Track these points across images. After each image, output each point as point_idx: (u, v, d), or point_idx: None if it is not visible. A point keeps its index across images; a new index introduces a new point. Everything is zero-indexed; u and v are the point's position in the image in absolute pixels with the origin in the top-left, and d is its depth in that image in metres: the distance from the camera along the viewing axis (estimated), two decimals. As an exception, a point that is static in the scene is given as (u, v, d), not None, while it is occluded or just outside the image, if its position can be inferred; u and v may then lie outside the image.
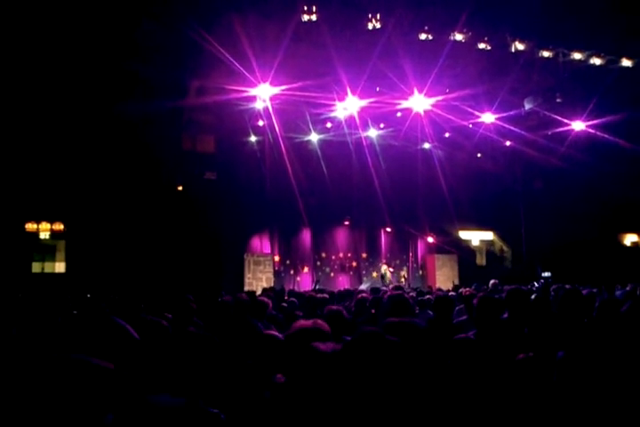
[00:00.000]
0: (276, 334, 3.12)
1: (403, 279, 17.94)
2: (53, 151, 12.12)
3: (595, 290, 5.11)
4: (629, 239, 19.10)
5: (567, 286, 5.81)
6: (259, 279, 15.46)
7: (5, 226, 12.02)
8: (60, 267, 13.54)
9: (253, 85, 12.59)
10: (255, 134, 15.78)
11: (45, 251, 13.57)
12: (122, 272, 12.12)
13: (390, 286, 10.72)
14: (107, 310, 5.55)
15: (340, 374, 1.82)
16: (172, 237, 13.44)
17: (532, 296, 4.44)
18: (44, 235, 13.45)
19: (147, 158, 12.90)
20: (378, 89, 13.90)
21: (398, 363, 1.84)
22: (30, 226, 13.24)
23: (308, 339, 2.19)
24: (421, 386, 2.16)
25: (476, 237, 19.64)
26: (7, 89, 11.18)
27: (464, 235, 19.28)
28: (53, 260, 13.64)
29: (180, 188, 15.00)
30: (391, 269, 17.86)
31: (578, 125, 15.73)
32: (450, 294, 8.04)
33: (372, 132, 16.64)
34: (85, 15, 10.59)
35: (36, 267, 13.33)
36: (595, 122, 15.29)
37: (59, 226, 13.49)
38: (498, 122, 15.82)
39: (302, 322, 2.54)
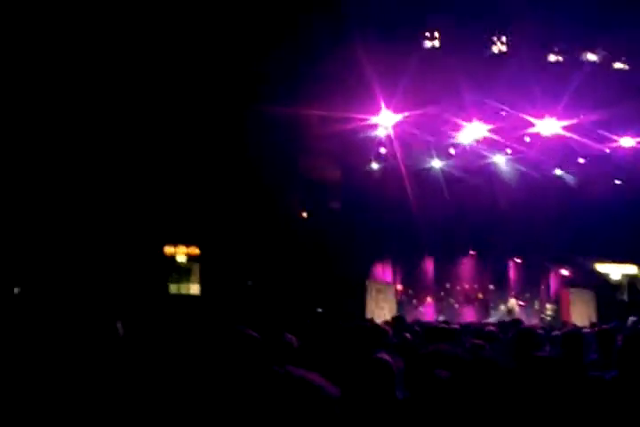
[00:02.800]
0: (387, 358, 3.09)
1: (548, 317, 16.92)
2: (189, 179, 13.03)
3: None
4: None
5: None
6: (381, 308, 15.33)
7: (146, 249, 13.02)
8: (194, 288, 14.43)
9: (376, 113, 12.77)
10: (378, 162, 15.92)
11: (182, 273, 14.56)
12: (249, 295, 12.65)
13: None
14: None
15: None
16: (297, 263, 13.82)
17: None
18: (181, 258, 14.47)
19: (274, 187, 13.49)
20: (505, 113, 13.51)
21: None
22: (168, 249, 14.29)
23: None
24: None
25: (616, 270, 18.10)
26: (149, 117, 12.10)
27: (602, 268, 17.85)
28: (189, 281, 14.58)
29: (305, 215, 15.44)
30: (521, 303, 16.93)
31: None
32: (585, 330, 7.45)
33: (499, 158, 16.09)
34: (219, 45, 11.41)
35: (173, 288, 14.30)
36: None
37: (194, 250, 14.45)
38: (638, 146, 14.66)
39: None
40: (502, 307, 17.20)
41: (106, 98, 11.38)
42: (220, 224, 13.36)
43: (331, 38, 11.06)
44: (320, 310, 10.23)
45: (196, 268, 14.49)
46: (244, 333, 2.43)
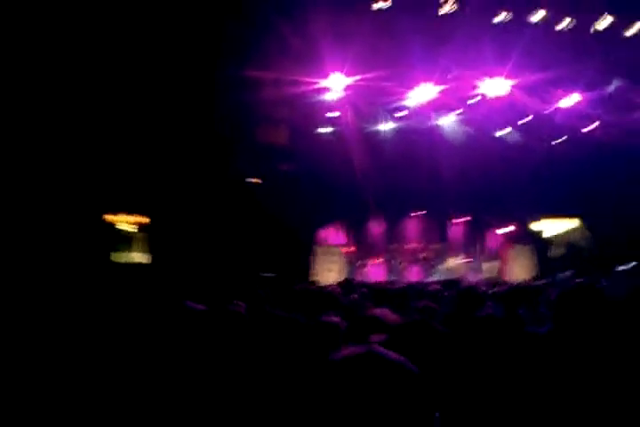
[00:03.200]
0: (335, 320, 3.16)
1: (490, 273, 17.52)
2: (136, 147, 12.65)
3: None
4: None
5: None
6: (329, 270, 15.58)
7: (86, 216, 12.69)
8: (138, 257, 14.24)
9: (326, 76, 12.63)
10: (328, 125, 15.85)
11: (125, 242, 14.30)
12: (198, 262, 12.58)
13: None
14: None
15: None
16: (247, 227, 13.78)
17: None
18: (127, 226, 14.18)
19: (222, 151, 13.26)
20: (454, 74, 13.58)
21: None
22: (111, 217, 13.96)
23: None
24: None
25: (555, 226, 18.84)
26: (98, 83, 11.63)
27: (542, 224, 18.54)
28: (132, 250, 14.36)
29: (255, 179, 15.32)
30: (465, 260, 17.49)
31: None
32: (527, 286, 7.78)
33: (446, 120, 16.27)
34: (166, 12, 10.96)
35: (116, 257, 14.05)
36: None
37: (141, 218, 14.18)
38: (580, 106, 15.06)
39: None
40: (445, 265, 17.76)
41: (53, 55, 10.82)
42: (165, 192, 13.12)
43: (280, 2, 10.78)
44: (268, 274, 10.28)
45: (140, 236, 14.26)
46: (187, 307, 2.43)
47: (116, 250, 14.10)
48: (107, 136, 12.05)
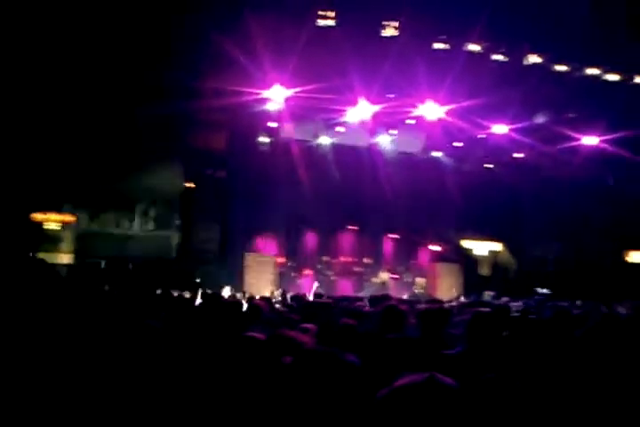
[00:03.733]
0: (257, 336, 3.19)
1: (417, 289, 17.94)
2: (66, 146, 12.26)
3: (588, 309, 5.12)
4: (637, 257, 18.92)
5: (560, 304, 5.83)
6: (260, 280, 15.51)
7: (11, 215, 12.16)
8: (65, 258, 13.70)
9: (267, 87, 12.71)
10: (267, 135, 15.91)
11: (52, 241, 13.73)
12: (126, 266, 12.27)
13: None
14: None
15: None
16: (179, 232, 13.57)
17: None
18: (51, 225, 13.62)
19: (157, 157, 13.05)
20: (392, 96, 13.97)
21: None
22: (37, 216, 13.40)
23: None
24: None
25: (483, 247, 19.58)
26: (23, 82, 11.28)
27: (470, 245, 19.24)
28: (59, 251, 13.79)
29: (191, 184, 15.12)
30: (394, 276, 17.88)
31: (590, 141, 15.69)
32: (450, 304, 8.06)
33: (384, 139, 16.68)
34: (101, 16, 10.75)
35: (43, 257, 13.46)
36: (608, 137, 15.25)
37: (67, 217, 13.67)
38: (510, 133, 15.81)
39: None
40: (375, 280, 18.08)
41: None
42: (98, 192, 12.75)
43: (223, 11, 10.78)
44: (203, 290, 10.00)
45: (67, 236, 13.75)
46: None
47: (42, 250, 13.52)
48: (34, 134, 11.63)
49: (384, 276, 17.50)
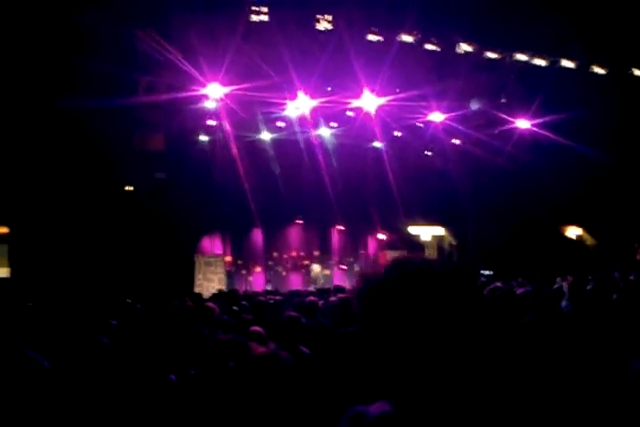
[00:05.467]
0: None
1: None
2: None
3: (529, 289, 5.31)
4: (572, 232, 19.76)
5: (499, 285, 6.04)
6: (210, 280, 15.35)
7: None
8: (3, 272, 13.08)
9: (203, 85, 12.51)
10: (206, 134, 15.65)
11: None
12: (68, 277, 11.82)
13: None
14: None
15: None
16: (121, 238, 13.17)
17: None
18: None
19: (95, 157, 12.60)
20: (329, 89, 14.02)
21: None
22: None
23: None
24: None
25: (427, 232, 19.99)
26: None
27: (414, 231, 19.60)
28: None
29: (130, 187, 14.71)
30: (344, 267, 18.04)
31: (522, 124, 16.25)
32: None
33: (324, 131, 16.74)
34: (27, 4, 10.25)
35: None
36: (538, 121, 15.84)
37: (2, 229, 13.04)
38: (446, 121, 16.17)
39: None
40: (324, 273, 18.15)
41: None
42: (31, 200, 12.21)
43: (157, 8, 10.49)
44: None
45: (3, 249, 13.10)
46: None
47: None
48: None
49: (316, 268, 17.62)
